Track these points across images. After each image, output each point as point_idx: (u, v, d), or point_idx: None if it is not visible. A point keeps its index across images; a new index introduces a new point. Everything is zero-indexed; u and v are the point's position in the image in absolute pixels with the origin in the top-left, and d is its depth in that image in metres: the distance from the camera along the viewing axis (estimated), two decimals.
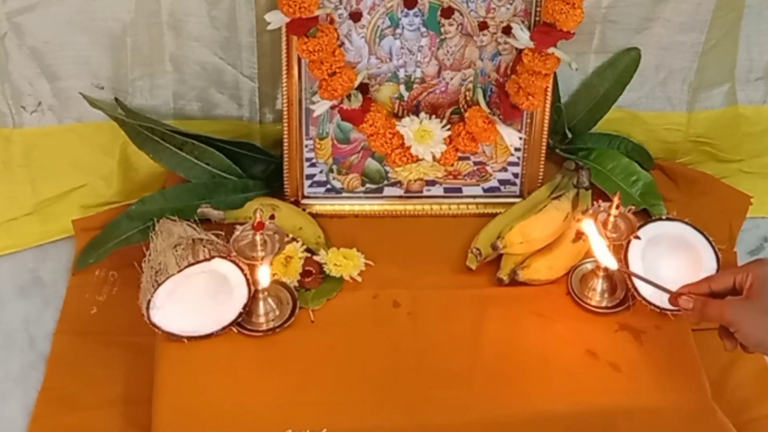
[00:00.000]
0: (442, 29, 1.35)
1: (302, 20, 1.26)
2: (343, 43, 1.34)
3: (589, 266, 1.36)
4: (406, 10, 1.33)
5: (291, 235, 1.33)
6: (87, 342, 1.36)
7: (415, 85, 1.39)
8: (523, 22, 1.34)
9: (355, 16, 1.33)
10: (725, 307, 1.15)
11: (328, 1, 1.31)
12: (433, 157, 1.40)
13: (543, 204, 1.40)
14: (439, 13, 1.33)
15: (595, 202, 1.31)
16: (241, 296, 1.25)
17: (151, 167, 1.49)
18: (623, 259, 1.30)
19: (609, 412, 1.22)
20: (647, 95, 1.55)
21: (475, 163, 1.45)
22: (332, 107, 1.36)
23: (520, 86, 1.34)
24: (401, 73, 1.37)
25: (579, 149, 1.52)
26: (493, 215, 1.43)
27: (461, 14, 1.34)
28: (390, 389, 1.23)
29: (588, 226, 1.25)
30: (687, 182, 1.55)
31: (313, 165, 1.43)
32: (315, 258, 1.35)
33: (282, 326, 1.28)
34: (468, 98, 1.40)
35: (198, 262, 1.23)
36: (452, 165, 1.43)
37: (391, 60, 1.36)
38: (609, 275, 1.33)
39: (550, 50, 1.30)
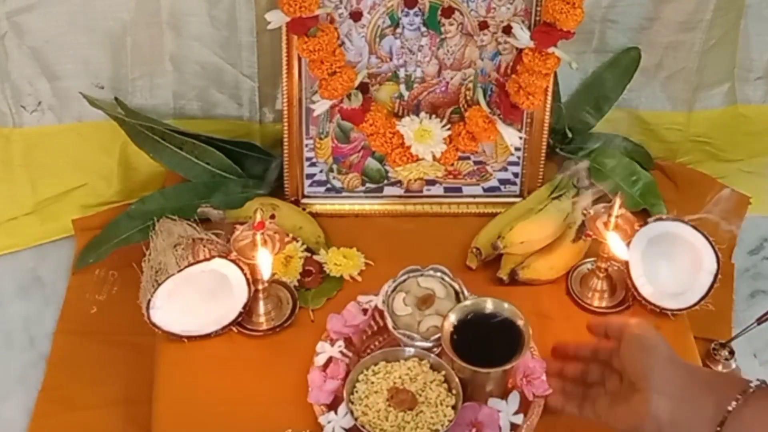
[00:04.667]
0: (443, 29, 1.34)
1: (302, 19, 1.26)
2: (343, 43, 1.33)
3: (589, 266, 1.35)
4: (406, 9, 1.33)
5: (291, 235, 1.33)
6: (87, 342, 1.36)
7: (415, 85, 1.38)
8: (523, 21, 1.34)
9: (356, 16, 1.32)
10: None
11: (328, 1, 1.31)
12: (433, 157, 1.40)
13: (543, 204, 1.40)
14: (439, 12, 1.33)
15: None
16: (241, 296, 1.25)
17: (151, 167, 1.49)
18: None
19: None
20: (647, 95, 1.55)
21: (475, 163, 1.45)
22: (332, 107, 1.36)
23: (521, 86, 1.34)
24: (401, 73, 1.37)
25: (579, 149, 1.52)
26: (493, 215, 1.43)
27: (461, 14, 1.33)
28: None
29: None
30: (687, 182, 1.55)
31: (313, 164, 1.43)
32: (315, 258, 1.35)
33: (282, 326, 1.28)
34: (468, 98, 1.40)
35: (198, 261, 1.23)
36: (452, 164, 1.43)
37: (391, 59, 1.36)
38: (609, 275, 1.33)
39: (550, 50, 1.30)
